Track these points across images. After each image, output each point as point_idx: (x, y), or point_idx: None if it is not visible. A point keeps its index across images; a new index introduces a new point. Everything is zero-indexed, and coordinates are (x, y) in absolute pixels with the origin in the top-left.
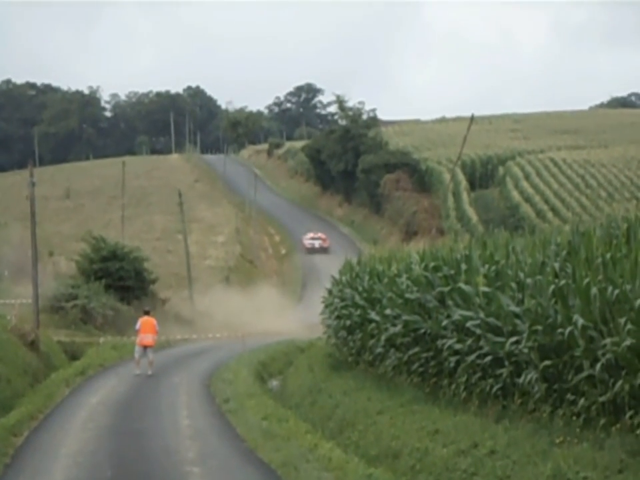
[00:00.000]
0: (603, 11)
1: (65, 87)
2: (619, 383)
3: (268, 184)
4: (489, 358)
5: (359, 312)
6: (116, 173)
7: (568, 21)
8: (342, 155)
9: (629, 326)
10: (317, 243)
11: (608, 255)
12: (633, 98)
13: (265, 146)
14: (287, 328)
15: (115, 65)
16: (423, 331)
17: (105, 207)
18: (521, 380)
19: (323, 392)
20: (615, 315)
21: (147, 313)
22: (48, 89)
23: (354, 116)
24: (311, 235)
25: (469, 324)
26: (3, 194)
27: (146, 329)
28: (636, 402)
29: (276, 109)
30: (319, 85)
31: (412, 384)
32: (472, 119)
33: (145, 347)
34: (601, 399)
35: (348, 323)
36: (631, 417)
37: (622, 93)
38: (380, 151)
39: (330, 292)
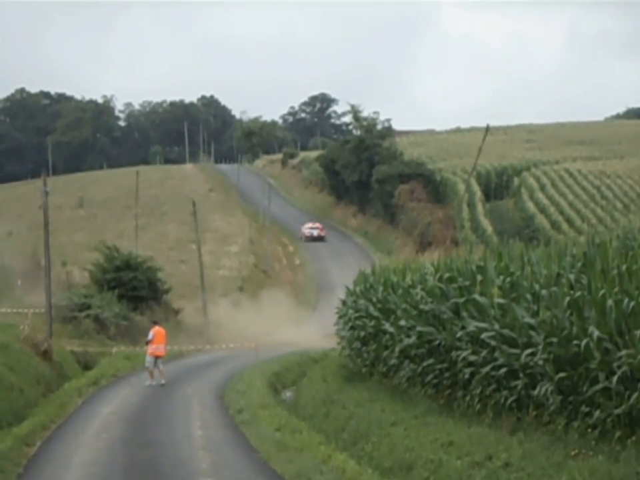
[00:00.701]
0: (618, 20)
1: (78, 96)
2: (635, 395)
3: (282, 194)
4: (503, 370)
5: (373, 323)
6: (130, 182)
7: (583, 31)
8: (356, 165)
9: None
10: (315, 232)
11: (624, 267)
12: None
13: (279, 156)
14: (301, 338)
15: (128, 75)
16: (437, 342)
17: (118, 216)
18: (535, 392)
19: (337, 403)
20: (630, 326)
21: (156, 323)
22: (62, 98)
23: (368, 126)
24: (309, 224)
25: (483, 335)
26: (16, 203)
27: (159, 339)
28: None
29: (290, 119)
30: (333, 95)
31: (426, 395)
32: (487, 129)
33: (157, 358)
34: (617, 411)
35: (362, 333)
36: None
37: (638, 103)
38: (394, 161)
39: (344, 303)
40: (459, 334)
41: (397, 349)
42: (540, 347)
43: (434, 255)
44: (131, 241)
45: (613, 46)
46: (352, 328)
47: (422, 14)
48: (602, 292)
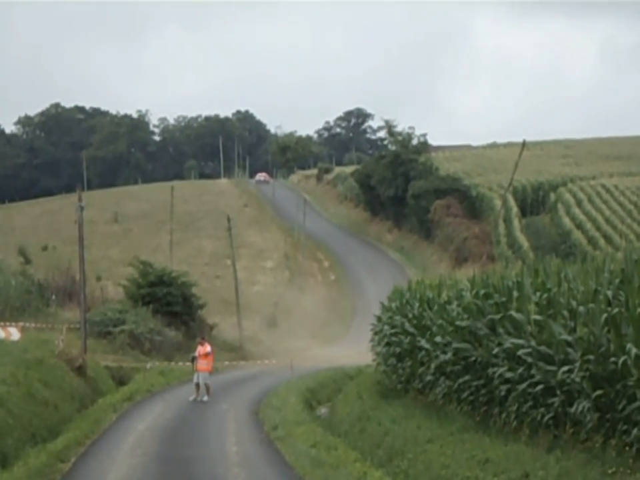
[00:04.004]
0: None
1: (113, 111)
2: None
3: (317, 209)
4: (540, 387)
5: (408, 339)
6: (164, 197)
7: (618, 45)
8: (392, 181)
9: None
10: (262, 178)
11: None
12: None
13: (314, 171)
14: (336, 354)
15: (163, 89)
16: (473, 358)
17: (153, 231)
18: (572, 409)
19: (372, 420)
20: None
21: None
22: (97, 113)
23: (404, 141)
24: (259, 174)
25: (520, 352)
26: (51, 218)
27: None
28: None
29: (325, 134)
30: (368, 110)
31: (462, 412)
32: (523, 144)
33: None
34: None
35: (397, 350)
36: None
37: None
38: (430, 176)
39: (379, 319)
40: (495, 350)
41: (433, 365)
42: (577, 364)
43: (470, 270)
44: (166, 256)
45: None
46: (387, 344)
47: (456, 28)
48: None
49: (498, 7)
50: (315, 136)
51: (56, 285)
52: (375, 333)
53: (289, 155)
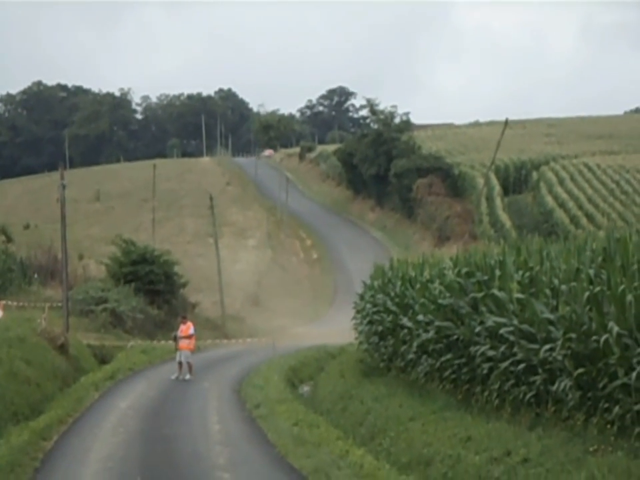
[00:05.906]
0: (636, 12)
1: (95, 89)
2: None
3: (299, 188)
4: (522, 365)
5: (390, 318)
6: (146, 175)
7: (601, 24)
8: (374, 159)
9: None
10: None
11: None
12: None
13: (296, 149)
14: (318, 333)
15: (146, 67)
16: (455, 337)
17: (135, 209)
18: (554, 387)
19: (354, 398)
20: None
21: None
22: (79, 91)
23: (386, 120)
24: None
25: (502, 330)
26: (33, 196)
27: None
28: None
29: (308, 112)
30: (351, 88)
31: (444, 390)
32: (506, 123)
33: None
34: (636, 407)
35: (380, 328)
36: None
37: None
38: (412, 155)
39: (362, 297)
40: (478, 329)
41: (415, 343)
42: (559, 342)
43: (452, 249)
44: (148, 234)
45: (631, 38)
46: (370, 322)
47: (438, 7)
48: (621, 287)
49: None
50: (298, 114)
51: (38, 264)
52: (357, 312)
53: (271, 133)
